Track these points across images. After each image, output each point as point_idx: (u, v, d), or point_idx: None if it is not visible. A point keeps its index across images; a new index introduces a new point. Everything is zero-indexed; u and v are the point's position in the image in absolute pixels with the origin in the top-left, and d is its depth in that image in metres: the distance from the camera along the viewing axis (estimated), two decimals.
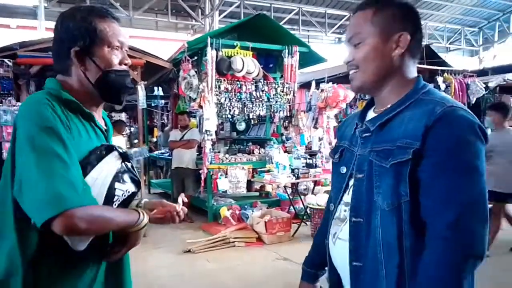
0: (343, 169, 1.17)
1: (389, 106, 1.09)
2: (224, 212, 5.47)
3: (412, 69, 1.12)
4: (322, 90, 6.51)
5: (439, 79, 8.44)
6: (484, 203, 0.95)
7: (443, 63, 8.75)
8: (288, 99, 6.47)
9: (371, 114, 1.16)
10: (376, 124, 1.08)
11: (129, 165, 1.18)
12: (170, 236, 5.17)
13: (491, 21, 17.45)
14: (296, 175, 5.49)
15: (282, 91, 6.38)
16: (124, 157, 1.17)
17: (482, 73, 9.03)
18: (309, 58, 7.03)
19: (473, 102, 8.23)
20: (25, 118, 1.02)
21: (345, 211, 1.15)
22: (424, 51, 8.50)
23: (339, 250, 1.14)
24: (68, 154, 1.00)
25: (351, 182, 1.13)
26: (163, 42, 11.91)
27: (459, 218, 0.92)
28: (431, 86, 1.12)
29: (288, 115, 6.73)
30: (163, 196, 7.55)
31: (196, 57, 6.36)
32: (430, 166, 0.96)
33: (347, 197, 1.14)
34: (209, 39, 5.71)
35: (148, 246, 4.73)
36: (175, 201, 1.31)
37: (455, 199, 0.93)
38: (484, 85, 8.24)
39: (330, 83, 6.65)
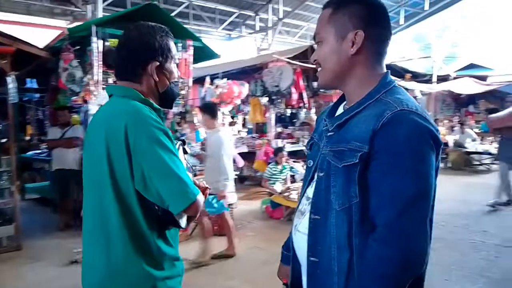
0: (310, 163, 1.21)
1: (355, 103, 1.09)
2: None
3: (377, 65, 1.11)
4: (216, 86, 6.48)
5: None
6: (423, 207, 0.95)
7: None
8: (182, 94, 6.27)
9: (340, 110, 1.18)
10: (335, 125, 1.10)
11: (187, 155, 1.50)
12: (50, 247, 4.61)
13: None
14: (193, 173, 5.34)
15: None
16: (184, 148, 1.45)
17: None
18: (202, 53, 6.91)
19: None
20: (142, 124, 1.21)
21: (305, 204, 1.17)
22: (309, 50, 9.05)
23: (299, 243, 1.17)
24: (176, 151, 1.27)
25: (316, 177, 1.15)
26: (37, 29, 10.55)
27: (395, 221, 0.93)
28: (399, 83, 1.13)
29: (183, 111, 6.54)
30: (41, 203, 6.72)
31: (79, 47, 5.75)
32: (376, 168, 0.98)
33: (310, 191, 1.16)
34: (94, 27, 5.22)
35: (24, 260, 4.15)
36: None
37: (392, 202, 0.94)
38: None
39: (225, 79, 6.66)
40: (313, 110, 8.44)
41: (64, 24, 11.21)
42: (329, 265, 1.04)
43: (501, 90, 11.79)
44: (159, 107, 1.36)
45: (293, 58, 8.15)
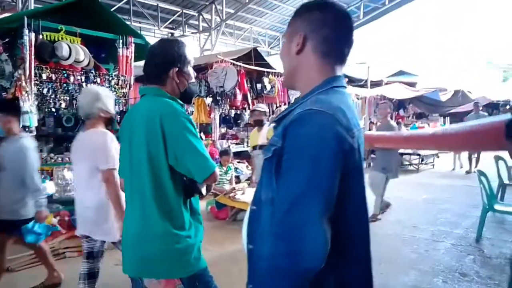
0: None
1: None
2: (50, 219, 4.76)
3: (324, 67, 1.13)
4: None
5: (265, 80, 9.24)
6: (312, 206, 0.95)
7: (268, 65, 9.56)
8: (123, 92, 6.06)
9: None
10: (274, 121, 1.16)
11: None
12: None
13: None
14: None
15: (117, 84, 5.94)
16: None
17: None
18: (145, 51, 6.71)
19: (292, 101, 9.30)
20: (174, 115, 1.64)
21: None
22: (253, 53, 9.17)
23: (243, 233, 1.22)
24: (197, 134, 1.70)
25: None
26: None
27: (285, 216, 0.96)
28: (341, 87, 1.14)
29: (124, 110, 6.31)
30: None
31: (8, 39, 5.33)
32: (282, 163, 1.02)
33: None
34: (25, 18, 4.87)
35: None
36: None
37: (285, 198, 0.98)
38: None
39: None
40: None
41: None
42: (259, 252, 1.08)
43: (427, 95, 12.73)
44: (182, 103, 1.80)
45: (237, 59, 8.21)
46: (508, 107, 17.63)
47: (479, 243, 4.72)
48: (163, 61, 1.73)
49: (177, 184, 1.68)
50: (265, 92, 9.20)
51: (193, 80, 1.84)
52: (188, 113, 9.54)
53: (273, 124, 1.23)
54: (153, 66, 1.75)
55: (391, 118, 6.57)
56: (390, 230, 5.29)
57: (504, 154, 7.01)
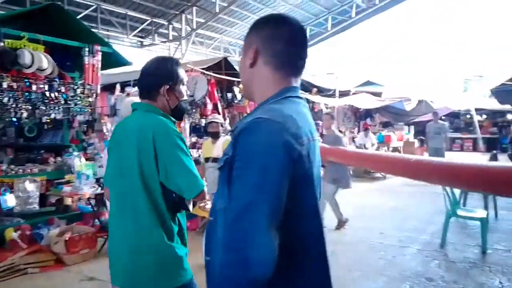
0: None
1: None
2: (11, 234, 4.56)
3: (277, 78, 1.15)
4: (128, 94, 6.22)
5: (236, 89, 9.27)
6: (258, 215, 0.95)
7: (239, 74, 9.59)
8: (89, 102, 5.91)
9: None
10: (230, 131, 1.14)
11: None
12: None
13: None
14: (101, 185, 5.04)
15: (83, 93, 5.79)
16: None
17: None
18: (112, 60, 6.60)
19: None
20: (166, 133, 1.70)
21: None
22: (223, 62, 9.19)
23: (203, 244, 1.25)
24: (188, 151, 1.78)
25: None
26: None
27: (232, 225, 0.97)
28: (296, 97, 1.15)
29: (89, 119, 6.16)
30: None
31: None
32: (233, 172, 1.02)
33: None
34: None
35: None
36: None
37: (233, 207, 0.98)
38: None
39: (136, 87, 6.42)
40: (227, 121, 8.53)
41: None
42: (214, 262, 1.07)
43: (393, 105, 13.14)
44: (174, 120, 1.87)
45: (208, 69, 8.20)
46: (468, 116, 18.44)
47: (444, 248, 4.87)
48: (154, 78, 1.81)
49: (168, 199, 1.76)
50: (235, 101, 9.21)
51: (185, 98, 1.90)
52: None
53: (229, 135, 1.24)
54: (145, 82, 1.83)
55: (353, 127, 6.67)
56: (358, 237, 5.38)
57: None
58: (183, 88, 1.87)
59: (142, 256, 1.70)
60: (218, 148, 4.89)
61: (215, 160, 4.78)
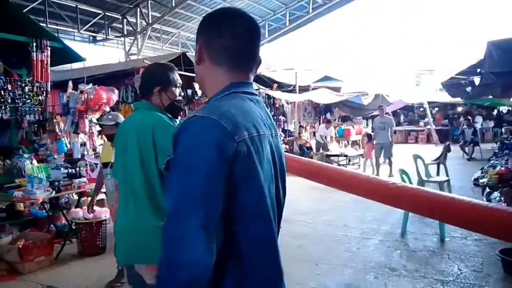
0: None
1: None
2: None
3: (219, 76, 1.13)
4: (81, 92, 5.92)
5: (196, 85, 9.10)
6: (188, 218, 0.93)
7: None
8: (39, 100, 5.58)
9: None
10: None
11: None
12: None
13: None
14: (56, 188, 4.76)
15: (32, 91, 5.45)
16: None
17: None
18: (63, 55, 6.27)
19: None
20: (164, 128, 1.94)
21: None
22: (181, 58, 8.98)
23: None
24: None
25: None
26: None
27: (165, 227, 0.95)
28: (244, 92, 1.13)
29: (41, 119, 5.81)
30: None
31: None
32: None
33: None
34: None
35: None
36: None
37: (167, 209, 0.96)
38: None
39: (91, 84, 6.13)
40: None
41: None
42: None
43: (351, 100, 13.43)
44: (171, 116, 2.10)
45: None
46: (421, 109, 19.27)
47: (404, 238, 5.02)
48: (148, 80, 2.09)
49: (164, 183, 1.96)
50: (196, 97, 9.05)
51: (179, 98, 2.15)
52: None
53: None
54: (142, 83, 2.11)
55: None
56: (323, 230, 5.44)
57: (422, 153, 7.61)
58: (176, 90, 2.12)
59: (140, 235, 1.90)
60: None
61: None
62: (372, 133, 10.54)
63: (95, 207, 4.60)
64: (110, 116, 4.32)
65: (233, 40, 1.12)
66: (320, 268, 4.12)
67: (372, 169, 9.86)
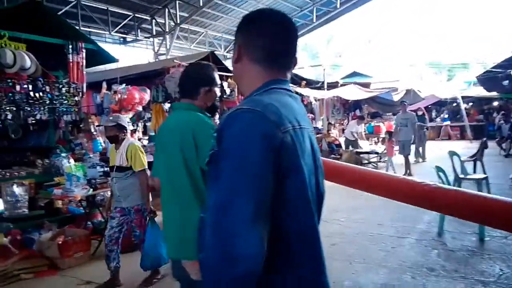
0: None
1: None
2: (1, 239, 4.40)
3: (258, 74, 1.16)
4: (115, 92, 6.06)
5: (225, 84, 9.13)
6: (240, 209, 0.92)
7: (227, 69, 9.47)
8: (75, 101, 5.73)
9: None
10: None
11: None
12: None
13: None
14: (93, 186, 4.90)
15: (68, 92, 5.61)
16: None
17: None
18: (97, 57, 6.42)
19: None
20: (204, 127, 1.98)
21: None
22: (210, 57, 9.05)
23: None
24: None
25: None
26: None
27: (216, 221, 0.94)
28: (282, 89, 1.14)
29: (76, 119, 5.98)
30: None
31: None
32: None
33: None
34: None
35: None
36: None
37: (216, 201, 0.96)
38: None
39: (124, 84, 6.26)
40: (217, 116, 8.42)
41: None
42: (205, 260, 1.03)
43: (381, 96, 13.17)
44: (210, 115, 2.15)
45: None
46: (455, 104, 18.65)
47: (441, 237, 4.87)
48: (195, 81, 2.12)
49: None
50: (224, 96, 9.09)
51: (218, 97, 2.23)
52: (144, 119, 9.32)
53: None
54: (189, 83, 2.13)
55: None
56: (356, 229, 5.36)
57: (457, 149, 7.36)
58: (217, 90, 2.18)
59: (186, 230, 1.91)
60: (121, 154, 3.93)
61: (119, 168, 3.91)
62: (393, 131, 10.28)
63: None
64: (111, 118, 4.24)
65: (271, 39, 1.15)
66: (354, 266, 4.06)
67: (392, 168, 9.57)
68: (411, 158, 9.61)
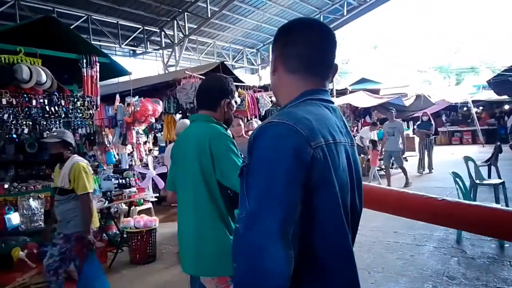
0: None
1: None
2: (18, 253, 4.42)
3: (293, 85, 1.14)
4: (128, 104, 6.11)
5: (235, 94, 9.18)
6: (266, 223, 0.91)
7: (237, 79, 9.52)
8: (90, 114, 5.79)
9: None
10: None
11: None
12: None
13: (266, 44, 20.23)
14: (108, 198, 4.92)
15: (83, 105, 5.67)
16: None
17: (267, 88, 10.27)
18: (110, 70, 6.49)
19: (263, 114, 9.29)
20: (220, 139, 1.98)
21: None
22: (220, 67, 9.11)
23: None
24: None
25: None
26: None
27: (242, 234, 0.95)
28: (318, 99, 1.12)
29: (92, 131, 6.04)
30: None
31: None
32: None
33: None
34: None
35: None
36: None
37: (246, 214, 0.96)
38: (270, 99, 9.38)
39: (137, 96, 6.32)
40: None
41: None
42: (237, 270, 1.05)
43: (391, 102, 13.09)
44: (226, 126, 2.15)
45: (205, 74, 8.11)
46: (465, 108, 18.49)
47: (460, 244, 4.80)
48: (216, 93, 2.11)
49: (225, 195, 1.98)
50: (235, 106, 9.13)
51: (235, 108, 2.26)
52: (155, 131, 9.39)
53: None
54: (209, 96, 2.13)
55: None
56: (373, 237, 5.29)
57: (470, 154, 7.28)
58: (235, 102, 2.24)
59: (204, 246, 1.92)
60: (63, 175, 3.49)
61: (61, 191, 3.52)
62: (377, 140, 10.15)
63: (144, 216, 4.72)
64: (55, 133, 3.69)
65: (307, 48, 1.13)
66: (373, 276, 4.01)
67: (376, 178, 9.51)
68: (412, 169, 9.44)
